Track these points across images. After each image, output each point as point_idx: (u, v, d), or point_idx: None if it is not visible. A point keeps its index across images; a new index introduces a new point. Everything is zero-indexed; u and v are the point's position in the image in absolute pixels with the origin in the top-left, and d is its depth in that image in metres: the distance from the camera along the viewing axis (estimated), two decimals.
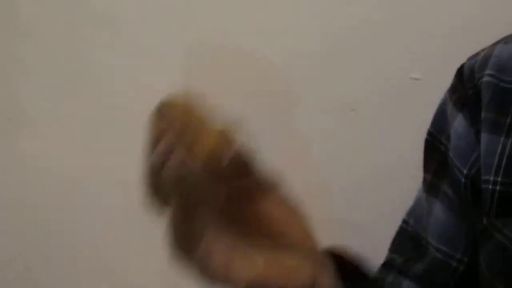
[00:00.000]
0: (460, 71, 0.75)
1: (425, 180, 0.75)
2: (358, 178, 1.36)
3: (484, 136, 0.68)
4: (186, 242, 0.51)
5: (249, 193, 0.53)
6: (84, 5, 1.33)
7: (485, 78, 0.70)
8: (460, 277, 0.70)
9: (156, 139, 0.50)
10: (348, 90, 1.36)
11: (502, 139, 0.66)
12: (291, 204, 0.56)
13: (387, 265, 0.76)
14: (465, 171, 0.69)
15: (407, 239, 0.75)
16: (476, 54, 0.75)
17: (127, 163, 1.39)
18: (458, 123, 0.71)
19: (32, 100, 1.35)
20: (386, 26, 1.32)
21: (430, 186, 0.74)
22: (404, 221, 0.77)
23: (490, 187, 0.65)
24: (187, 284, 0.58)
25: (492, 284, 0.64)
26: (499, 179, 0.65)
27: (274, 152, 1.34)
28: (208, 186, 0.50)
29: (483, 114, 0.68)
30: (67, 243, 1.36)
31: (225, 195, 0.52)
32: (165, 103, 0.54)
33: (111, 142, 1.35)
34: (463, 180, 0.69)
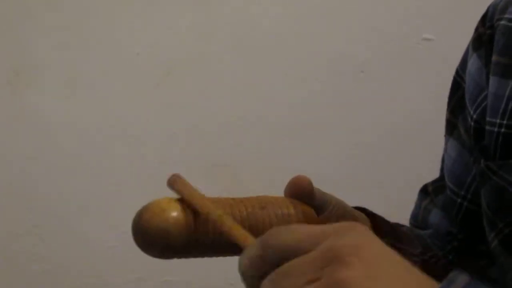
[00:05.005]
0: (488, 8, 0.72)
1: (446, 119, 0.75)
2: (370, 137, 1.36)
3: (493, 79, 0.67)
4: None
5: None
6: None
7: (503, 22, 0.68)
8: (464, 213, 0.71)
9: None
10: (358, 51, 1.35)
11: (511, 83, 0.66)
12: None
13: (423, 191, 0.77)
14: (471, 112, 0.69)
15: (441, 169, 0.76)
16: None
17: (136, 115, 1.39)
18: (471, 63, 0.71)
19: (41, 55, 1.35)
20: None
21: (448, 124, 0.74)
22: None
23: (496, 129, 0.66)
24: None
25: (494, 222, 0.65)
26: (505, 121, 0.65)
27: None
28: None
29: (494, 57, 0.68)
30: (78, 204, 1.37)
31: None
32: None
33: (121, 94, 1.34)
34: (472, 124, 0.69)
